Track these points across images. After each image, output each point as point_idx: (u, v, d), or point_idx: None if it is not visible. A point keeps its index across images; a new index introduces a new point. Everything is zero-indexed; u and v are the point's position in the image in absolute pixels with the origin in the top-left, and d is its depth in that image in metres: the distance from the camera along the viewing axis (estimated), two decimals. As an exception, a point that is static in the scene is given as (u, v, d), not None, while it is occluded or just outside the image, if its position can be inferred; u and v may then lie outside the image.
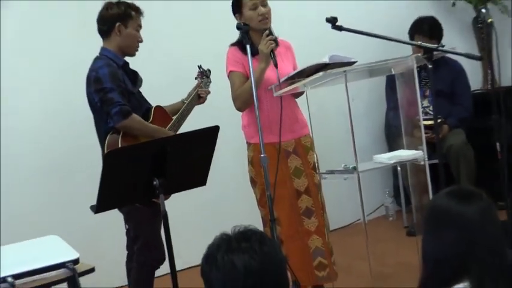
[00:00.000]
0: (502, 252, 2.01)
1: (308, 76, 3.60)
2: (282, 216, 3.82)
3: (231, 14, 3.87)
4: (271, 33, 3.73)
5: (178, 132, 3.82)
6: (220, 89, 4.03)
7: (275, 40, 3.72)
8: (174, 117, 3.87)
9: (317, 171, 3.93)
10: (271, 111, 3.77)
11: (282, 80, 3.68)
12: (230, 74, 3.85)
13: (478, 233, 1.96)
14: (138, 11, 3.75)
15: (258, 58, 3.73)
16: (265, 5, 3.80)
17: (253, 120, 3.79)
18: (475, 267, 1.94)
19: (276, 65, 3.66)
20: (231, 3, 3.86)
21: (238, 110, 3.88)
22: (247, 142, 3.94)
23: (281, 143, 3.77)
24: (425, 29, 5.25)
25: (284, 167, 3.83)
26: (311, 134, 3.97)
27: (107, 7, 3.74)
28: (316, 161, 3.95)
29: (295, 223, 3.86)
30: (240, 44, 3.78)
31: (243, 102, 3.79)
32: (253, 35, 3.79)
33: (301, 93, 3.95)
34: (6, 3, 4.49)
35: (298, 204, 3.86)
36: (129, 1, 3.78)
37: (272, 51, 3.66)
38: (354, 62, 3.72)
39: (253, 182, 3.92)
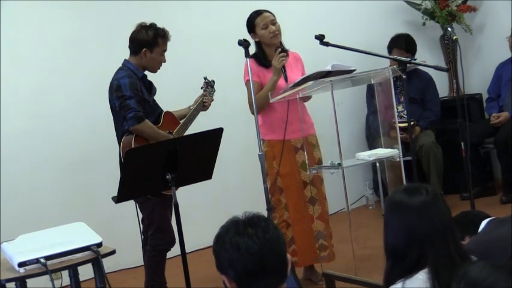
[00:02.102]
0: (453, 240, 1.96)
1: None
2: (290, 203, 3.87)
3: (234, 31, 3.86)
4: (283, 50, 3.75)
5: (185, 134, 3.80)
6: (235, 96, 4.01)
7: (285, 52, 3.76)
8: (182, 121, 3.85)
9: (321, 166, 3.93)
10: (283, 112, 3.78)
11: (289, 86, 3.67)
12: (247, 83, 3.84)
13: (425, 223, 1.92)
14: (165, 36, 3.69)
15: (270, 69, 3.78)
16: (274, 23, 3.84)
17: (265, 121, 3.88)
18: (430, 256, 1.90)
19: (286, 79, 3.71)
20: (246, 24, 3.88)
21: (252, 113, 3.88)
22: (262, 139, 3.94)
23: (290, 140, 3.83)
24: (402, 43, 5.23)
25: (293, 161, 3.87)
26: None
27: (138, 30, 3.68)
28: (320, 156, 3.96)
29: (301, 209, 3.90)
30: (255, 57, 3.81)
31: (257, 107, 3.78)
32: (267, 49, 3.86)
33: (308, 98, 3.96)
34: (49, 21, 4.48)
35: (304, 193, 3.91)
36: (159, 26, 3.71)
37: (283, 66, 3.69)
38: (354, 70, 3.71)
39: (266, 173, 3.93)
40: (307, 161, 3.92)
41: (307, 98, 3.97)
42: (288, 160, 3.80)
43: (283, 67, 3.71)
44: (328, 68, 3.61)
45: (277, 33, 3.81)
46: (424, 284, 1.89)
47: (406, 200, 1.97)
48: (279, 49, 3.73)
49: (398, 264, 1.96)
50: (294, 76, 3.78)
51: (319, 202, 3.92)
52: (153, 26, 3.69)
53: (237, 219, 1.80)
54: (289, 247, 3.84)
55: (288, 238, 3.84)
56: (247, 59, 3.84)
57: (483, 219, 2.45)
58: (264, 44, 3.83)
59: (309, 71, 3.68)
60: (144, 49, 3.65)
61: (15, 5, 4.37)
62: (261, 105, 3.75)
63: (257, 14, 3.85)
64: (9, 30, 4.36)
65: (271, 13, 3.86)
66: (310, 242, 3.88)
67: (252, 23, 3.85)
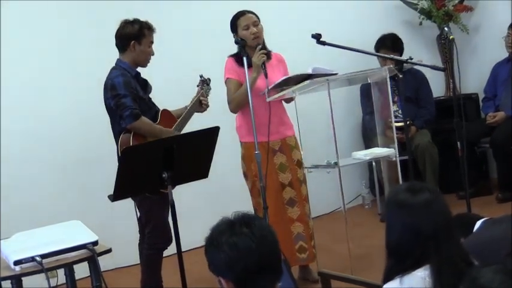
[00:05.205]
0: (453, 239, 1.97)
1: (295, 84, 3.62)
2: (269, 205, 3.83)
3: (229, 29, 3.87)
4: (263, 47, 3.76)
5: (181, 132, 3.80)
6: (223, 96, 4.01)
7: (267, 54, 3.78)
8: (178, 120, 3.85)
9: (301, 167, 3.93)
10: (259, 114, 3.73)
11: (270, 87, 3.69)
12: (227, 81, 3.90)
13: (430, 221, 1.93)
14: (150, 28, 3.72)
15: (251, 69, 3.75)
16: (256, 25, 3.84)
17: (244, 122, 3.88)
18: (433, 254, 1.91)
19: (266, 75, 3.71)
20: (229, 23, 3.89)
21: (231, 111, 3.93)
22: (240, 142, 3.96)
23: (268, 142, 3.78)
24: (388, 43, 5.23)
25: (270, 163, 3.84)
26: (298, 135, 3.97)
27: (123, 26, 3.71)
28: (300, 158, 3.94)
29: (279, 211, 3.87)
30: (236, 56, 3.84)
31: (236, 105, 3.86)
32: (248, 50, 3.83)
33: (291, 99, 3.95)
34: (44, 21, 4.48)
35: (282, 195, 3.89)
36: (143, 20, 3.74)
37: (263, 63, 3.69)
38: (334, 74, 3.73)
39: (245, 175, 3.96)
40: (298, 160, 3.93)
41: (290, 100, 3.97)
42: (266, 162, 3.76)
43: (263, 64, 3.71)
44: (309, 71, 3.63)
45: (259, 35, 3.81)
46: (423, 280, 1.90)
47: (411, 200, 1.97)
48: (259, 46, 3.74)
49: (400, 262, 1.96)
50: (275, 77, 3.78)
51: (298, 204, 3.90)
52: (136, 20, 3.72)
53: (230, 220, 1.79)
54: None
55: None
56: (228, 58, 3.88)
57: (477, 221, 2.46)
58: (246, 45, 3.80)
59: (303, 71, 3.69)
60: (132, 42, 3.66)
61: (11, 5, 4.36)
62: (240, 103, 3.78)
63: (240, 14, 3.86)
64: (5, 30, 4.35)
65: (255, 14, 3.86)
66: (289, 244, 3.85)
67: (234, 23, 3.86)
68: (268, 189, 3.81)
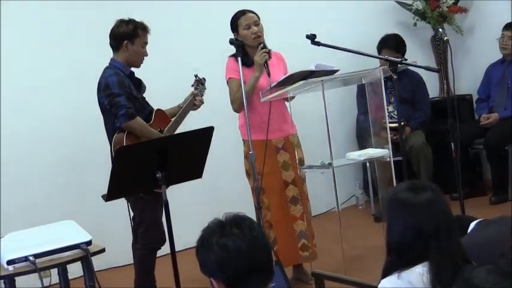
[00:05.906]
0: (453, 238, 1.98)
1: (296, 82, 3.62)
2: (272, 203, 3.87)
3: (226, 28, 3.88)
4: (265, 46, 3.77)
5: (176, 132, 3.79)
6: (224, 95, 4.00)
7: (268, 53, 3.78)
8: (172, 119, 3.84)
9: (303, 165, 3.94)
10: (263, 113, 3.78)
11: (272, 85, 3.69)
12: (229, 81, 3.89)
13: (432, 219, 1.94)
14: (145, 29, 3.71)
15: (253, 68, 3.78)
16: (257, 24, 3.84)
17: (245, 121, 3.83)
18: (433, 251, 1.92)
19: (268, 74, 3.72)
20: (229, 22, 3.89)
21: (235, 111, 3.92)
22: (242, 139, 3.95)
23: (272, 140, 3.82)
24: (392, 44, 5.24)
25: (274, 161, 3.86)
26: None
27: (117, 25, 3.70)
28: (302, 156, 3.96)
29: (283, 209, 3.89)
30: (236, 56, 3.81)
31: (239, 104, 3.83)
32: (249, 49, 3.85)
33: (292, 97, 3.96)
34: (43, 18, 4.47)
35: (285, 193, 3.90)
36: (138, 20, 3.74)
37: (266, 62, 3.70)
38: (337, 70, 3.74)
39: (247, 173, 3.95)
40: (300, 159, 3.93)
41: (290, 98, 3.98)
42: (269, 160, 3.78)
43: (266, 63, 3.72)
44: (312, 67, 3.64)
45: (260, 35, 3.82)
46: (421, 276, 1.91)
47: (414, 199, 1.98)
48: (261, 45, 3.75)
49: (401, 258, 1.97)
50: (277, 75, 3.79)
51: (301, 202, 3.91)
52: (132, 20, 3.71)
53: (221, 221, 1.79)
54: (272, 248, 3.83)
55: (271, 239, 3.83)
56: (228, 58, 3.88)
57: (471, 223, 2.46)
58: (246, 44, 3.82)
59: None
60: (125, 41, 3.66)
61: (11, 5, 4.35)
62: (242, 103, 3.75)
63: (241, 13, 3.86)
64: (5, 30, 4.34)
65: (255, 14, 3.87)
66: (292, 242, 3.87)
67: (235, 23, 3.86)
68: (272, 187, 3.84)
